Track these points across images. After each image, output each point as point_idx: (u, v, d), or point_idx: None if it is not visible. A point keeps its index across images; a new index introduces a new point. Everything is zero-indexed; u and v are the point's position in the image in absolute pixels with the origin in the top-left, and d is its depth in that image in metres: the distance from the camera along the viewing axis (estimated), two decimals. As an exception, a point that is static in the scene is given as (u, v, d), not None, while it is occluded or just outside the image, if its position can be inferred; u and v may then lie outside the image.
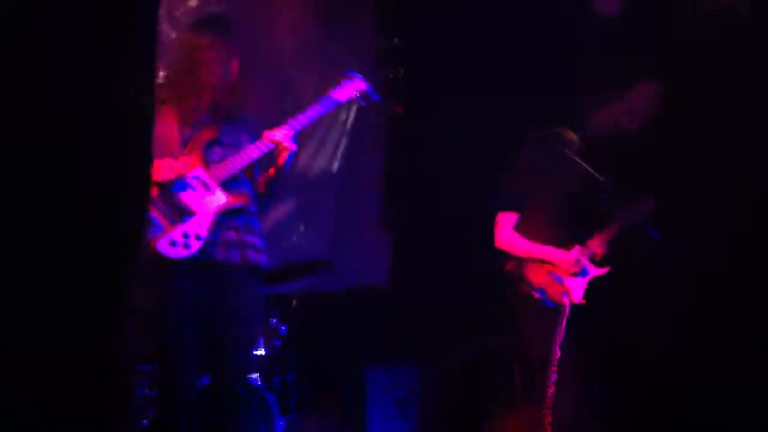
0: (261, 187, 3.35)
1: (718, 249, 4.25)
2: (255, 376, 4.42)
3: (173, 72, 3.33)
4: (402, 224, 5.89)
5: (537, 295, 4.01)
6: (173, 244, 3.02)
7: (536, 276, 4.05)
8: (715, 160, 4.40)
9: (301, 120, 3.30)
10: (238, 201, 3.16)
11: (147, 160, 1.59)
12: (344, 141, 5.83)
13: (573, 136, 4.29)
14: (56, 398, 1.38)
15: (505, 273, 4.14)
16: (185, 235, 3.03)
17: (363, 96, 3.44)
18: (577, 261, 4.06)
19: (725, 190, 4.35)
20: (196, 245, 3.04)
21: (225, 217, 3.14)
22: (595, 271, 4.13)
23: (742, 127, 4.31)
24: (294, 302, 4.85)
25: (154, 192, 3.05)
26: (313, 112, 3.32)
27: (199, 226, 3.06)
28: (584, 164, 4.11)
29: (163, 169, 3.07)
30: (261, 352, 4.53)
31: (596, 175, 4.07)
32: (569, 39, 5.08)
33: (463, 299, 5.38)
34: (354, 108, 5.80)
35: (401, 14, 5.86)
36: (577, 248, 4.12)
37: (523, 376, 4.12)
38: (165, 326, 3.10)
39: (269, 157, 3.28)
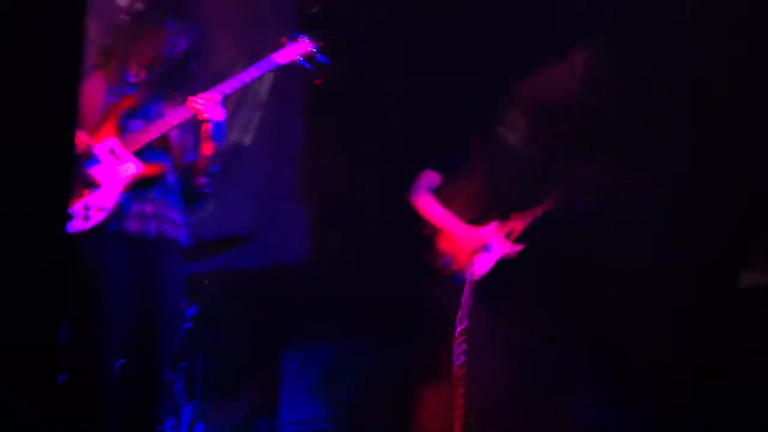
0: (201, 165, 3.19)
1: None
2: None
3: (113, 38, 3.20)
4: (321, 200, 5.71)
5: (444, 263, 3.96)
6: (72, 215, 2.88)
7: (446, 243, 4.00)
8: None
9: (232, 84, 3.13)
10: (150, 170, 3.02)
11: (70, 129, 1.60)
12: (258, 114, 5.60)
13: None
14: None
15: (420, 236, 4.08)
16: (86, 207, 2.91)
17: (307, 58, 3.24)
18: (482, 240, 3.96)
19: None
20: (96, 216, 2.91)
21: (140, 188, 3.00)
22: (507, 249, 4.01)
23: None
24: (206, 281, 4.65)
25: None
26: (246, 76, 3.15)
27: (103, 199, 2.93)
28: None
29: None
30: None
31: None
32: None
33: (382, 277, 5.28)
34: (268, 79, 5.57)
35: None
36: (494, 223, 4.03)
37: (432, 348, 4.04)
38: (86, 302, 2.95)
39: (195, 127, 3.13)
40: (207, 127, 3.10)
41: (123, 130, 3.05)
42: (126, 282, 3.00)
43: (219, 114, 3.09)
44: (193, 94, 3.14)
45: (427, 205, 4.06)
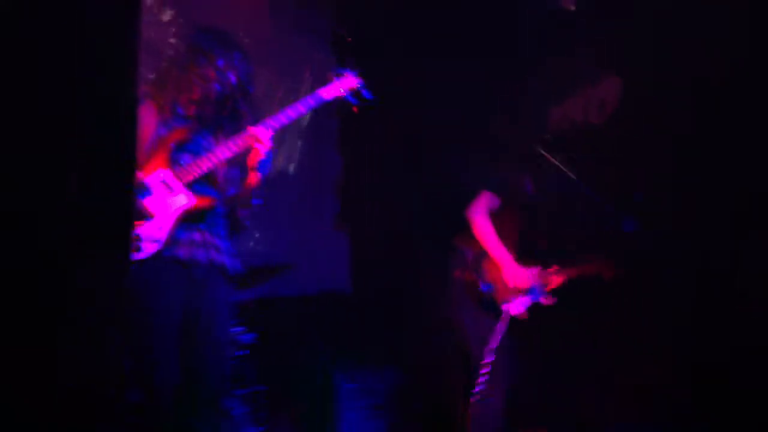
0: (244, 195, 3.26)
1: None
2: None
3: (165, 69, 3.25)
4: (362, 227, 5.78)
5: (483, 289, 3.95)
6: None
7: (491, 271, 3.99)
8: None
9: (280, 119, 3.17)
10: (201, 203, 3.06)
11: (131, 157, 1.63)
12: (300, 142, 5.69)
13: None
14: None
15: (460, 254, 4.08)
16: (138, 238, 2.93)
17: (353, 94, 3.28)
18: (528, 283, 3.99)
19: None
20: (150, 248, 2.95)
21: (190, 220, 3.05)
22: (543, 300, 4.06)
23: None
24: (251, 307, 4.70)
25: None
26: (293, 111, 3.19)
27: (158, 230, 2.98)
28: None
29: None
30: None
31: (566, 171, 4.02)
32: (526, 35, 5.02)
33: (426, 300, 5.32)
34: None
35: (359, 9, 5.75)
36: (538, 269, 4.06)
37: (460, 374, 4.06)
38: (143, 325, 2.98)
39: (244, 158, 3.17)
40: (254, 161, 3.15)
41: (173, 163, 3.09)
42: (178, 305, 3.03)
43: (267, 149, 3.14)
44: (242, 128, 3.19)
45: (484, 228, 4.02)
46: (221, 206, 3.20)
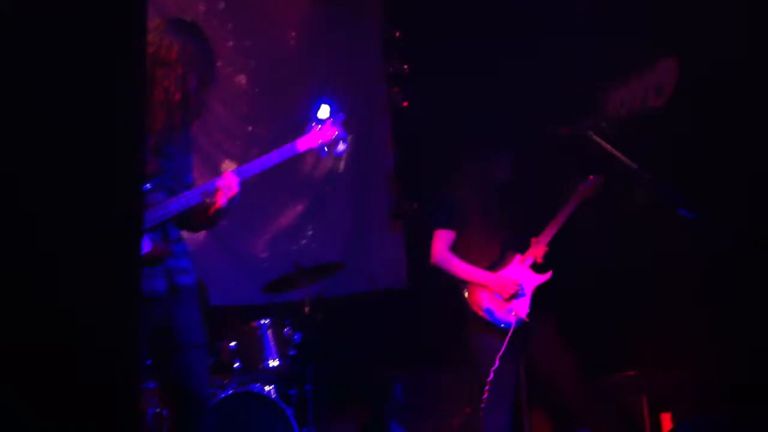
0: (200, 218, 3.08)
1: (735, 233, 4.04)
2: (269, 388, 4.24)
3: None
4: (416, 222, 5.71)
5: (485, 316, 3.92)
6: None
7: (481, 297, 3.97)
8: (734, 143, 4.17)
9: (252, 168, 3.03)
10: (158, 252, 2.93)
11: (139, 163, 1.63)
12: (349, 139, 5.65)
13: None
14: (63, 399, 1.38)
15: (457, 291, 4.06)
16: None
17: (328, 146, 3.14)
18: (517, 281, 3.94)
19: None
20: None
21: (148, 264, 2.93)
22: (536, 282, 4.01)
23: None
24: (306, 309, 4.67)
25: None
26: (266, 161, 3.05)
27: None
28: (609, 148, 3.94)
29: None
30: (275, 363, 4.35)
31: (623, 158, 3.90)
32: (575, 21, 4.88)
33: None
34: (354, 106, 5.64)
35: (407, 5, 5.70)
36: (517, 257, 4.02)
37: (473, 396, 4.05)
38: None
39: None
40: (222, 198, 2.99)
41: (145, 196, 2.94)
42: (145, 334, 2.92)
43: (233, 194, 2.98)
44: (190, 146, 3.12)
45: (452, 264, 4.02)
46: (178, 231, 3.08)
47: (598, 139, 3.97)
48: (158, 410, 3.95)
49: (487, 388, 3.80)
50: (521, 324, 3.88)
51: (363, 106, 5.74)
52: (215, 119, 5.17)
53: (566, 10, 4.84)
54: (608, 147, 3.94)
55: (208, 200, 3.00)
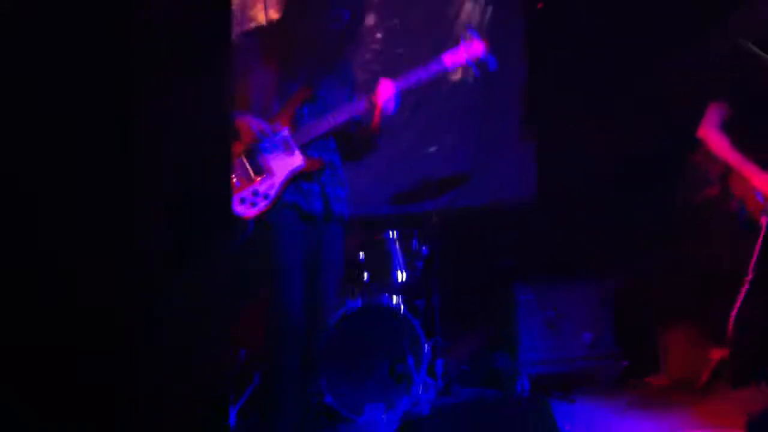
0: (362, 134, 3.31)
1: None
2: (397, 300, 4.30)
3: (282, 16, 3.24)
4: (546, 134, 5.56)
5: (734, 206, 3.69)
6: (242, 200, 3.07)
7: (739, 185, 3.71)
8: None
9: (402, 82, 3.15)
10: (311, 166, 3.16)
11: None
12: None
13: None
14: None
15: (701, 172, 3.83)
16: (255, 193, 3.08)
17: (477, 63, 3.18)
18: None
19: None
20: (262, 204, 3.07)
21: (302, 180, 3.15)
22: None
23: None
24: (434, 218, 4.67)
25: (239, 149, 3.09)
26: (415, 76, 3.16)
27: (270, 187, 3.09)
28: None
29: (251, 127, 3.08)
30: (403, 276, 4.38)
31: None
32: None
33: (615, 213, 5.09)
34: (489, 8, 5.46)
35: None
36: None
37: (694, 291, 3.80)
38: (271, 279, 3.10)
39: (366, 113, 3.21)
40: (378, 115, 3.18)
41: (299, 119, 3.16)
42: (299, 259, 3.13)
43: (392, 107, 3.16)
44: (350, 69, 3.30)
45: (718, 142, 3.74)
46: (338, 159, 3.28)
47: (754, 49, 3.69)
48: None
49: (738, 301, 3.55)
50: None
51: (498, 6, 5.56)
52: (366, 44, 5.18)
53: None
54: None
55: (370, 110, 3.17)
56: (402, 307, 4.24)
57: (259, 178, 3.08)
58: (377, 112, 3.17)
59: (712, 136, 3.77)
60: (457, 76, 5.43)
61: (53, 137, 1.43)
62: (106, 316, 1.43)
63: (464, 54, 3.17)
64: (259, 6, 4.84)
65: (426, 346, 4.18)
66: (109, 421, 1.42)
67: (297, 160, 3.12)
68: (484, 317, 5.06)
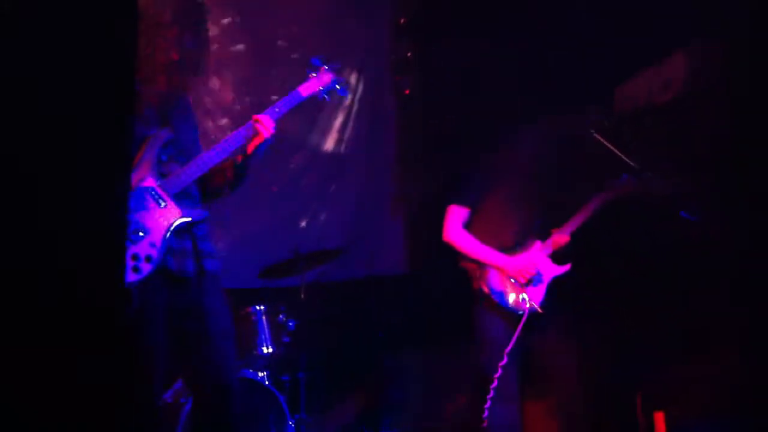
0: (228, 173, 3.08)
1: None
2: (262, 375, 4.26)
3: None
4: (417, 207, 5.69)
5: (495, 299, 3.81)
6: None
7: (493, 279, 3.84)
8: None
9: (271, 112, 3.06)
10: (190, 216, 2.88)
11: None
12: (350, 124, 5.62)
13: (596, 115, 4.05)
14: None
15: (465, 271, 3.95)
16: (135, 257, 2.73)
17: (327, 91, 3.23)
18: (534, 266, 3.83)
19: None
20: (146, 268, 2.74)
21: (180, 233, 2.87)
22: (554, 272, 3.89)
23: None
24: (302, 295, 4.67)
25: None
26: (281, 107, 3.10)
27: (150, 247, 2.77)
28: (609, 145, 3.88)
29: None
30: (269, 350, 4.36)
31: (624, 157, 3.84)
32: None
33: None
34: (359, 89, 5.60)
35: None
36: (537, 243, 3.90)
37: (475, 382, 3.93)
38: (138, 345, 2.76)
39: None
40: (255, 142, 3.00)
41: (159, 172, 2.89)
42: (161, 322, 2.84)
43: (269, 133, 3.00)
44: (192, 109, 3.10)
45: (465, 242, 3.89)
46: (206, 211, 3.00)
47: (600, 138, 3.93)
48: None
49: (497, 375, 3.66)
50: (534, 313, 3.75)
51: (370, 88, 5.70)
52: (210, 94, 5.15)
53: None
54: (608, 145, 3.90)
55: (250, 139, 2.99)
56: (267, 381, 4.21)
57: (135, 239, 2.74)
58: (257, 140, 2.98)
59: (454, 238, 3.91)
60: (331, 147, 5.52)
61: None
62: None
63: (315, 84, 3.19)
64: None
65: (291, 422, 4.15)
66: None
67: (173, 212, 2.83)
68: (353, 390, 5.06)
